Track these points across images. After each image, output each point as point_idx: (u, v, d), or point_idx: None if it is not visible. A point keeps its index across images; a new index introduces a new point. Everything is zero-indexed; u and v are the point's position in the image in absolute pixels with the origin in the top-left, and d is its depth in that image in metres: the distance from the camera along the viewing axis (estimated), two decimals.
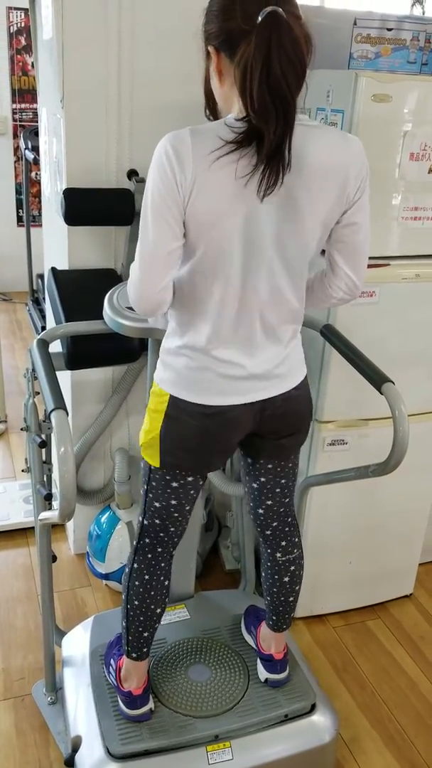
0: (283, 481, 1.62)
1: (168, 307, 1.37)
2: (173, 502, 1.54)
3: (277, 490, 1.62)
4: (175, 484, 1.51)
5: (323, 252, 1.43)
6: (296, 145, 1.20)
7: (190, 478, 1.52)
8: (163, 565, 1.63)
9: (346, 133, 1.34)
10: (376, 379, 1.59)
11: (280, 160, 1.18)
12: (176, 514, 1.57)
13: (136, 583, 1.61)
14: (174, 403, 1.42)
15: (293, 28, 1.12)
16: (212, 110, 1.35)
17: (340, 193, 1.29)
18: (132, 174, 2.07)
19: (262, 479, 1.61)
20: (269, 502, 1.64)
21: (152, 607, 1.62)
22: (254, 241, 1.27)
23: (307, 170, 1.24)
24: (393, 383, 1.57)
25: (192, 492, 1.55)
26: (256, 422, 1.46)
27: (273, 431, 1.51)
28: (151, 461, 1.50)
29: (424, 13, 2.23)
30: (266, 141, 1.15)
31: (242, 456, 1.64)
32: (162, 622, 1.71)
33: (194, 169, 1.19)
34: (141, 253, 1.29)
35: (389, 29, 1.84)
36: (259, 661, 1.81)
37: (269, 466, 1.59)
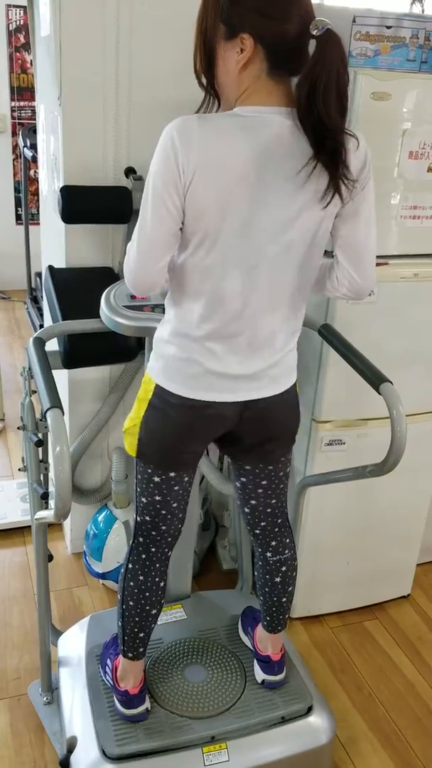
0: (264, 482, 1.60)
1: (161, 287, 1.37)
2: (157, 498, 1.53)
3: (259, 491, 1.61)
4: (156, 479, 1.51)
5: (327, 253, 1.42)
6: None
7: (171, 473, 1.51)
8: (158, 565, 1.62)
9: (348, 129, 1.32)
10: (374, 378, 1.59)
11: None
12: (164, 512, 1.56)
13: (131, 583, 1.61)
14: (159, 392, 1.41)
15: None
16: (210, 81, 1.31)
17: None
18: (130, 172, 2.06)
19: (243, 479, 1.61)
20: (253, 502, 1.64)
21: (147, 608, 1.61)
22: (256, 230, 1.26)
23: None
24: (391, 383, 1.56)
25: (177, 488, 1.54)
26: (236, 421, 1.45)
27: (250, 434, 1.50)
28: (129, 449, 1.51)
29: (423, 11, 2.22)
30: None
31: (226, 455, 1.63)
32: (158, 622, 1.70)
33: (198, 153, 1.19)
34: (138, 235, 1.30)
35: (388, 27, 1.82)
36: (255, 662, 1.81)
37: (248, 467, 1.59)
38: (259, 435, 1.51)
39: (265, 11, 1.18)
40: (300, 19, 1.17)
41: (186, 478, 1.55)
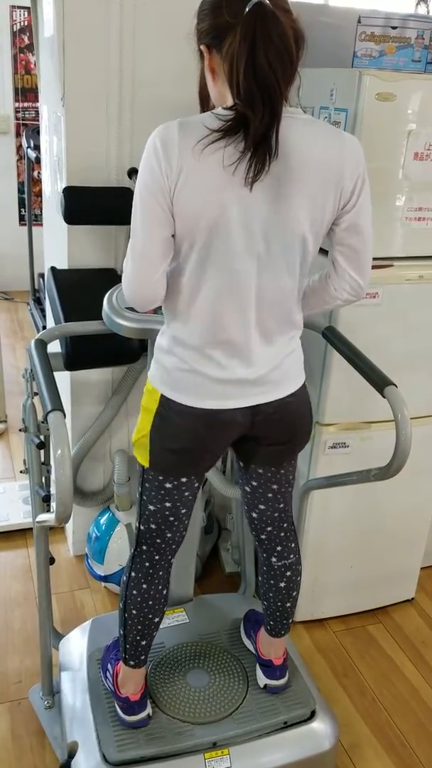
0: (274, 486, 1.59)
1: (162, 300, 1.36)
2: (167, 504, 1.52)
3: (269, 495, 1.60)
4: (168, 485, 1.49)
5: (323, 251, 1.41)
6: (287, 136, 1.21)
7: (183, 479, 1.49)
8: (161, 573, 1.61)
9: (343, 132, 1.32)
10: (379, 381, 1.57)
11: (267, 148, 1.18)
12: (171, 518, 1.54)
13: (134, 592, 1.59)
14: (165, 402, 1.40)
15: (280, 20, 1.13)
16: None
17: (333, 189, 1.28)
18: (132, 172, 2.05)
19: (254, 483, 1.60)
20: (262, 507, 1.62)
21: (150, 616, 1.60)
22: (243, 233, 1.25)
23: (296, 161, 1.23)
24: (395, 386, 1.55)
25: (187, 494, 1.52)
26: (248, 426, 1.44)
27: (265, 436, 1.48)
28: (142, 460, 1.49)
29: (429, 12, 2.21)
30: (252, 128, 1.16)
31: (236, 459, 1.62)
32: (160, 626, 1.69)
33: (180, 159, 1.20)
34: (132, 248, 1.30)
35: (394, 27, 1.81)
36: (258, 666, 1.79)
37: (260, 471, 1.57)
38: (277, 437, 1.49)
39: (200, 18, 1.25)
40: (230, 10, 1.16)
41: (196, 483, 1.54)
